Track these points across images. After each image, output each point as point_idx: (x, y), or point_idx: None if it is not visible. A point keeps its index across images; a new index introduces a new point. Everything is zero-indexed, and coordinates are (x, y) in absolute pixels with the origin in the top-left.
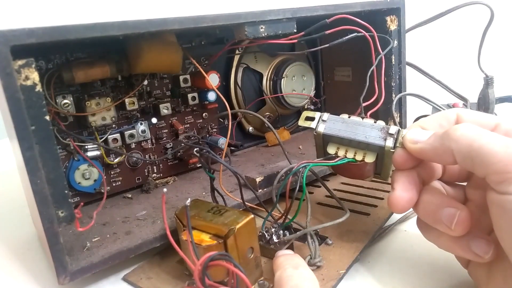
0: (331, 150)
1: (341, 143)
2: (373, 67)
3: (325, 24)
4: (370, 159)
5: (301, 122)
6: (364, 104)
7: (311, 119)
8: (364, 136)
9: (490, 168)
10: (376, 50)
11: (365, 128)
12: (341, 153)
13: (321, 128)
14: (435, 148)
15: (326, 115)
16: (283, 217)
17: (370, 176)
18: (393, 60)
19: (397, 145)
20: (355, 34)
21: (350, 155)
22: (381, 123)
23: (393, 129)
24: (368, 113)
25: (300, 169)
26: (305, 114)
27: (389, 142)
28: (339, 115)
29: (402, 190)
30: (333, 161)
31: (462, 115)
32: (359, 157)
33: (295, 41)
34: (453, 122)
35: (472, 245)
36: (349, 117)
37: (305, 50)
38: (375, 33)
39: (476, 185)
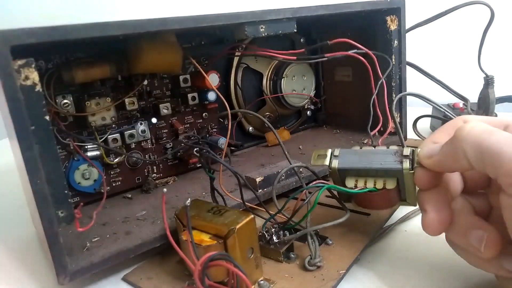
0: (349, 183)
1: (358, 174)
2: (374, 96)
3: (326, 45)
4: (391, 185)
5: (314, 162)
6: (372, 133)
7: (323, 156)
8: (379, 164)
9: (500, 170)
10: (375, 74)
11: (378, 156)
12: (360, 184)
13: (335, 164)
14: (448, 155)
15: (337, 150)
16: (286, 219)
17: (396, 204)
18: (393, 60)
19: (415, 165)
20: (353, 51)
21: (370, 184)
22: (393, 147)
23: (406, 150)
24: (380, 140)
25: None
26: (316, 152)
27: (406, 164)
28: (350, 147)
29: (435, 211)
30: (353, 189)
31: (470, 121)
32: (379, 185)
33: (294, 58)
34: None
35: (504, 262)
36: (360, 148)
37: (305, 54)
38: (375, 58)
39: (497, 191)
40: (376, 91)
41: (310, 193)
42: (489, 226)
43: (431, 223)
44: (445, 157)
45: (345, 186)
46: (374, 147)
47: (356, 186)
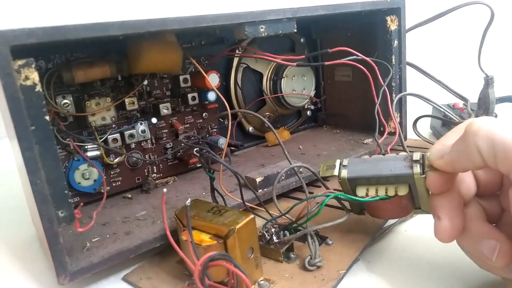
0: (360, 192)
1: (368, 183)
2: (377, 105)
3: (326, 53)
4: (402, 191)
5: (323, 173)
6: (380, 140)
7: (332, 167)
8: (389, 170)
9: None
10: (375, 81)
11: (388, 162)
12: (371, 193)
13: (344, 173)
14: (461, 152)
15: (346, 160)
16: (286, 219)
17: (410, 211)
18: (393, 60)
19: (426, 169)
20: (353, 57)
21: (381, 192)
22: (403, 154)
23: (416, 155)
24: (388, 148)
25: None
26: (325, 164)
27: (417, 169)
28: (360, 157)
29: (449, 218)
30: (365, 197)
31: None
32: (391, 193)
33: (294, 64)
34: None
35: None
36: (370, 156)
37: (305, 56)
38: (375, 66)
39: (507, 191)
40: (379, 101)
41: (311, 193)
42: (501, 235)
43: (445, 230)
44: (457, 155)
45: (356, 196)
46: (384, 155)
47: (367, 195)
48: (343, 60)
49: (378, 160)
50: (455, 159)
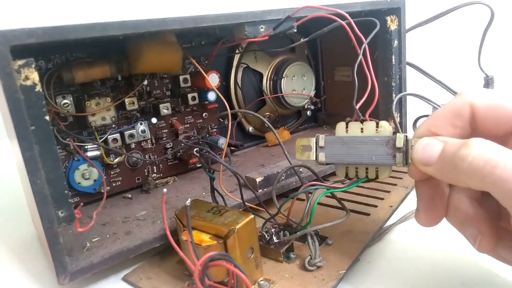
0: (340, 173)
1: (348, 163)
2: (360, 56)
3: (289, 18)
4: (384, 175)
5: (298, 156)
6: (357, 106)
7: (308, 148)
8: (370, 158)
9: (510, 203)
10: (358, 40)
11: (369, 146)
12: (351, 174)
13: (322, 157)
14: (447, 176)
15: (322, 140)
16: (285, 219)
17: None
18: (393, 60)
19: (409, 161)
20: (336, 23)
21: (362, 174)
22: (384, 131)
23: (399, 141)
24: (367, 114)
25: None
26: (299, 142)
27: (399, 159)
28: (336, 123)
29: (426, 209)
30: (345, 185)
31: (477, 108)
32: (372, 175)
33: (266, 38)
34: (467, 119)
35: (501, 251)
36: (346, 129)
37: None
38: (351, 20)
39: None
40: (361, 52)
41: (310, 193)
42: (484, 223)
43: (421, 220)
44: (443, 175)
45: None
46: (362, 122)
47: (347, 175)
48: (317, 14)
49: (358, 142)
50: (440, 176)
